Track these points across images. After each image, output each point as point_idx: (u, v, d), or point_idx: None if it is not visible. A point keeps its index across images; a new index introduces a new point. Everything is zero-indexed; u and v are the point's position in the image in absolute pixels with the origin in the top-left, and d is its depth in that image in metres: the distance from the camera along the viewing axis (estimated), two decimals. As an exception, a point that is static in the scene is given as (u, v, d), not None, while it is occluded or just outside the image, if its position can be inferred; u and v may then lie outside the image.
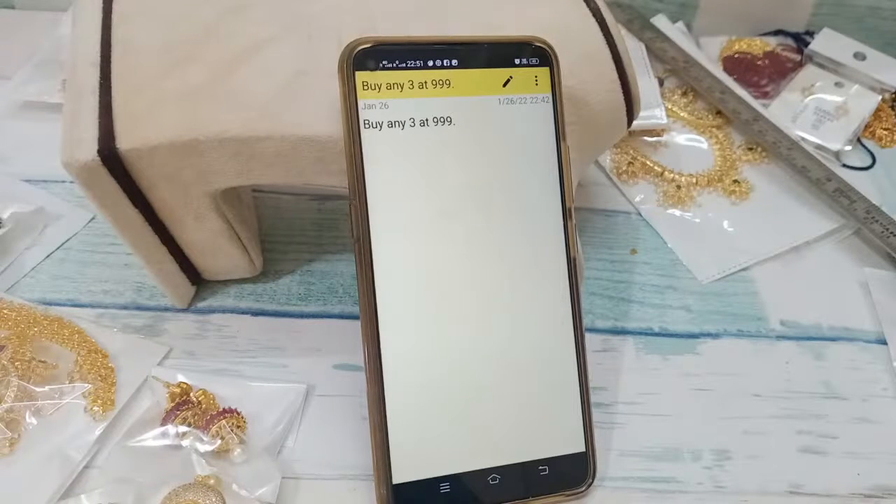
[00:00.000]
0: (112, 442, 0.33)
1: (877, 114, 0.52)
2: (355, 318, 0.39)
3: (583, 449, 0.32)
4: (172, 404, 0.33)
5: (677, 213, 0.46)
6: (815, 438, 0.36)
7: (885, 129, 0.51)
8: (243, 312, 0.39)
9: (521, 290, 0.32)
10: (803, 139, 0.49)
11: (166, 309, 0.39)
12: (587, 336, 0.34)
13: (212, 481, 0.31)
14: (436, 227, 0.31)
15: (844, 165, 0.49)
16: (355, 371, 0.37)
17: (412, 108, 0.30)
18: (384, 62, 0.30)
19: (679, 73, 0.52)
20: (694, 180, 0.47)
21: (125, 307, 0.39)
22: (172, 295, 0.38)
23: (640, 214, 0.46)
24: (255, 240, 0.39)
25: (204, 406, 0.33)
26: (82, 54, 0.32)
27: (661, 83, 0.53)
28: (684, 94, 0.52)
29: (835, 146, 0.49)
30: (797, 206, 0.46)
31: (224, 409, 0.33)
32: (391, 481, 0.30)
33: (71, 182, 0.40)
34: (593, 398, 0.34)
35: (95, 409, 0.34)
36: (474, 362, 0.31)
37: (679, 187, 0.46)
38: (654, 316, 0.40)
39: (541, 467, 0.31)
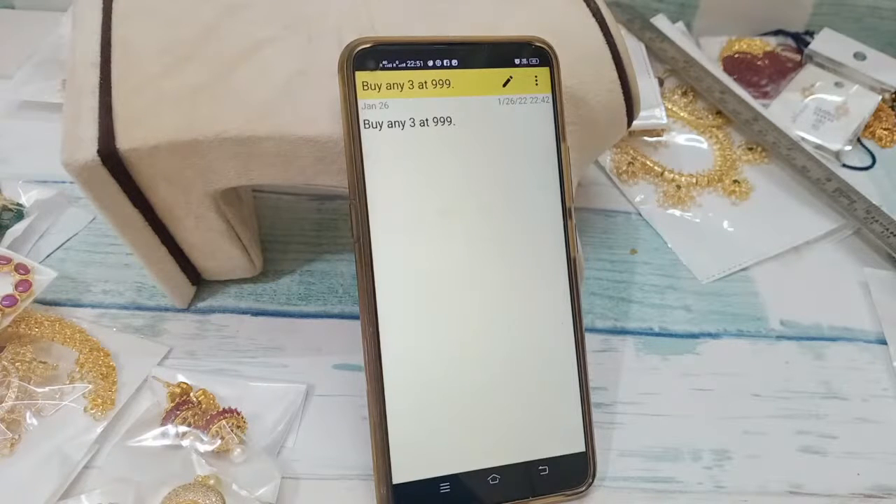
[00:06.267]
0: (112, 442, 0.33)
1: (877, 114, 0.52)
2: (355, 318, 0.39)
3: (583, 449, 0.32)
4: (172, 404, 0.33)
5: (677, 213, 0.46)
6: (815, 438, 0.36)
7: (885, 129, 0.51)
8: (243, 312, 0.39)
9: (522, 289, 0.32)
10: (803, 139, 0.49)
11: (166, 309, 0.39)
12: (587, 336, 0.34)
13: (212, 481, 0.31)
14: (436, 227, 0.31)
15: (844, 165, 0.49)
16: (355, 371, 0.37)
17: (412, 108, 0.30)
18: (384, 62, 0.30)
19: (679, 73, 0.52)
20: (694, 180, 0.47)
21: (125, 307, 0.39)
22: (172, 295, 0.38)
23: (640, 214, 0.46)
24: (255, 240, 0.39)
25: (204, 406, 0.33)
26: (82, 54, 0.32)
27: (661, 83, 0.53)
28: (684, 94, 0.52)
29: (835, 146, 0.49)
30: (797, 206, 0.46)
31: (224, 409, 0.33)
32: (391, 481, 0.30)
33: (71, 182, 0.41)
34: (593, 398, 0.34)
35: (95, 409, 0.34)
36: (474, 362, 0.31)
37: (679, 187, 0.46)
38: (654, 316, 0.40)
39: (541, 467, 0.31)
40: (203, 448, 0.32)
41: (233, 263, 0.38)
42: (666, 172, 0.47)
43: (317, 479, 0.33)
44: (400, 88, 0.30)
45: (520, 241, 0.32)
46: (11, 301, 0.34)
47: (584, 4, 0.35)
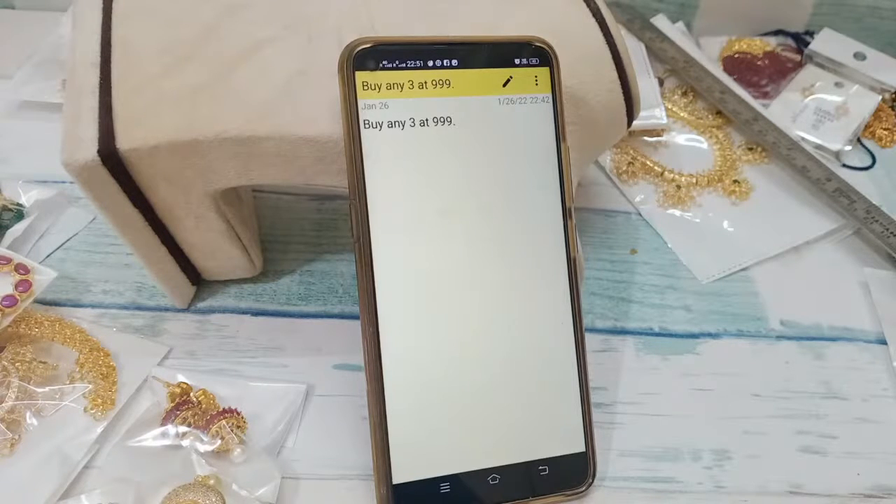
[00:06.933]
0: (112, 442, 0.33)
1: (877, 114, 0.52)
2: (355, 318, 0.39)
3: (583, 449, 0.32)
4: (172, 404, 0.33)
5: (677, 213, 0.46)
6: (815, 438, 0.36)
7: (885, 129, 0.51)
8: (243, 312, 0.39)
9: (522, 289, 0.32)
10: (803, 139, 0.49)
11: (166, 309, 0.39)
12: (587, 336, 0.34)
13: (212, 481, 0.31)
14: (436, 227, 0.31)
15: (844, 165, 0.49)
16: (355, 371, 0.37)
17: (412, 108, 0.30)
18: (384, 62, 0.30)
19: (679, 73, 0.52)
20: (694, 180, 0.47)
21: (125, 307, 0.39)
22: (172, 295, 0.38)
23: (640, 214, 0.46)
24: (255, 240, 0.39)
25: (204, 406, 0.33)
26: (82, 54, 0.32)
27: (661, 83, 0.53)
28: (684, 94, 0.52)
29: (835, 146, 0.49)
30: (797, 206, 0.46)
31: (224, 409, 0.33)
32: (391, 481, 0.30)
33: (71, 182, 0.41)
34: (593, 398, 0.34)
35: (95, 409, 0.34)
36: (474, 362, 0.31)
37: (679, 187, 0.46)
38: (654, 316, 0.40)
39: (541, 467, 0.31)
40: (203, 448, 0.32)
41: (233, 263, 0.38)
42: (666, 172, 0.47)
43: (317, 479, 0.33)
44: (400, 88, 0.30)
45: (520, 241, 0.32)
46: (11, 301, 0.34)
47: (584, 4, 0.35)
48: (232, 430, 0.32)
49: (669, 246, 0.44)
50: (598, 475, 0.32)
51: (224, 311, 0.39)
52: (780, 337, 0.40)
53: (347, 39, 0.30)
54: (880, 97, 0.51)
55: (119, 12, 0.33)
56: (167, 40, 0.32)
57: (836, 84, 0.52)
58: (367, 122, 0.30)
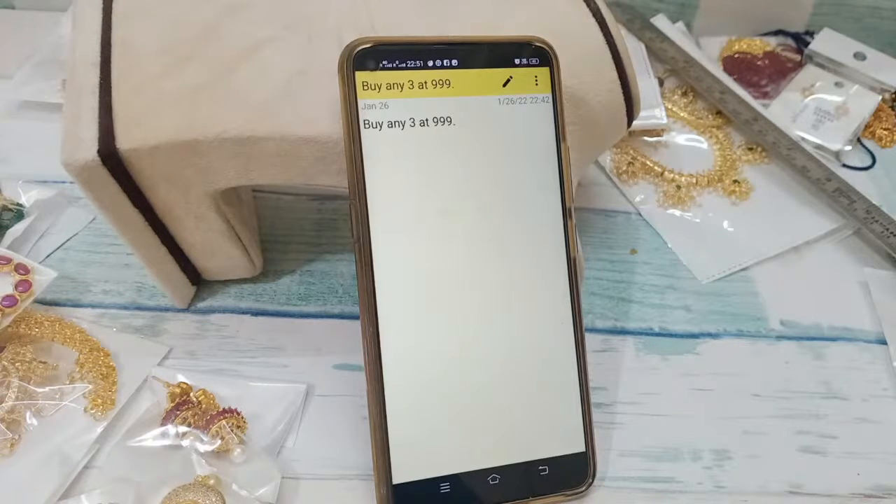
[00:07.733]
0: (112, 442, 0.33)
1: (877, 114, 0.52)
2: (355, 318, 0.39)
3: (583, 449, 0.32)
4: (172, 404, 0.33)
5: (677, 213, 0.46)
6: (815, 438, 0.36)
7: (885, 129, 0.51)
8: (243, 312, 0.39)
9: (522, 290, 0.32)
10: (803, 139, 0.49)
11: (166, 309, 0.39)
12: (587, 336, 0.34)
13: (212, 481, 0.31)
14: (436, 227, 0.31)
15: (844, 165, 0.49)
16: (355, 371, 0.37)
17: (412, 108, 0.30)
18: (384, 62, 0.30)
19: (679, 73, 0.52)
20: (694, 180, 0.47)
21: (125, 307, 0.39)
22: (172, 295, 0.38)
23: (640, 214, 0.46)
24: (255, 240, 0.39)
25: (204, 406, 0.33)
26: (82, 54, 0.32)
27: (661, 83, 0.53)
28: (684, 94, 0.52)
29: (835, 146, 0.49)
30: (797, 206, 0.46)
31: (224, 409, 0.33)
32: (391, 481, 0.30)
33: (71, 182, 0.41)
34: (593, 398, 0.34)
35: (95, 409, 0.34)
36: (474, 362, 0.31)
37: (679, 187, 0.46)
38: (654, 316, 0.40)
39: (541, 467, 0.31)
40: (203, 448, 0.32)
41: (233, 263, 0.38)
42: (666, 172, 0.47)
43: (317, 479, 0.33)
44: (400, 88, 0.30)
45: (520, 241, 0.32)
46: (11, 301, 0.34)
47: (584, 4, 0.35)
48: (232, 430, 0.32)
49: (669, 246, 0.44)
50: (598, 475, 0.33)
51: (224, 311, 0.39)
52: (780, 337, 0.40)
53: (347, 39, 0.30)
54: (880, 97, 0.51)
55: (119, 12, 0.33)
56: (167, 40, 0.32)
57: (836, 84, 0.52)
58: (367, 122, 0.30)
